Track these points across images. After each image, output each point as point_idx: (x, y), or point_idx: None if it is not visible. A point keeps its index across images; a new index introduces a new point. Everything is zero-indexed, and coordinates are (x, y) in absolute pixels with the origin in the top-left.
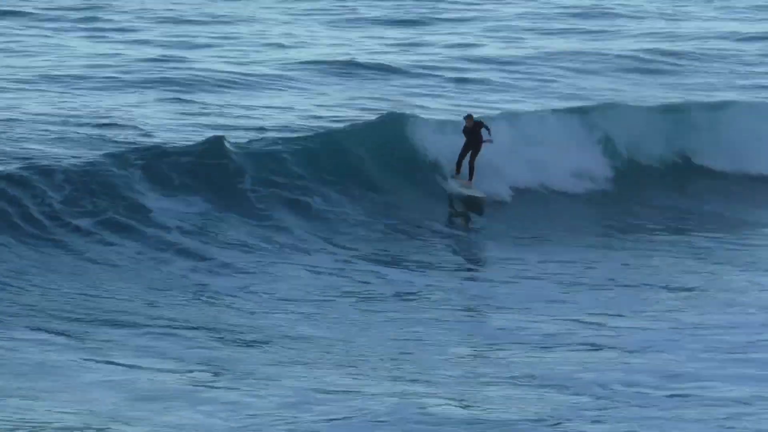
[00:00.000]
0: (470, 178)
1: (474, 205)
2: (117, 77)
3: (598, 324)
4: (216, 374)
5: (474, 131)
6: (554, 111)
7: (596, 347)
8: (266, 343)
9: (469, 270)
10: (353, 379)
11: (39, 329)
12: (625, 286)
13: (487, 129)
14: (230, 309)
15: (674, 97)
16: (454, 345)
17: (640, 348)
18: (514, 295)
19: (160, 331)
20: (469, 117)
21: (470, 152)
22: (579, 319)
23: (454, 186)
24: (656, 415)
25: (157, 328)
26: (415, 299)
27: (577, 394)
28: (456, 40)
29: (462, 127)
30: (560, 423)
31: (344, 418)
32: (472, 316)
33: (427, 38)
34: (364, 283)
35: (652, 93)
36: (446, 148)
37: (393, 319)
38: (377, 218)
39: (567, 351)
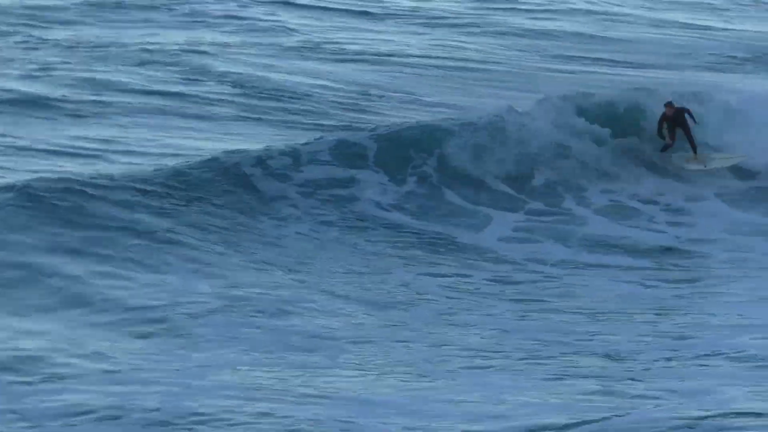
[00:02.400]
0: (695, 153)
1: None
2: None
3: None
4: None
5: (676, 119)
6: None
7: None
8: None
9: None
10: None
11: None
12: None
13: (691, 115)
14: None
15: None
16: None
17: None
18: None
19: None
20: (669, 104)
21: (683, 131)
22: None
23: (693, 167)
24: None
25: None
26: None
27: None
28: None
29: (661, 116)
30: None
31: None
32: None
33: None
34: None
35: None
36: None
37: None
38: None
39: None
